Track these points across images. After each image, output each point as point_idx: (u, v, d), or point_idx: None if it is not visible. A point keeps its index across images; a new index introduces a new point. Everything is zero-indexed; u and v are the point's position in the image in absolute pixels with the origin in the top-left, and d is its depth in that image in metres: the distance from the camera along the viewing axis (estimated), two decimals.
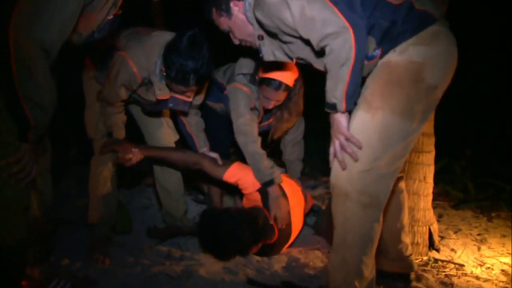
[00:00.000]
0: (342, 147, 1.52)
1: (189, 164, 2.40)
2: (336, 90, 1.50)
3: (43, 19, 1.37)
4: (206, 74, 2.07)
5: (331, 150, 1.57)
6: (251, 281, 1.98)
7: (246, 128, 2.36)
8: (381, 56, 1.53)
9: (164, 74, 2.08)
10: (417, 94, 1.50)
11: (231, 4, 1.73)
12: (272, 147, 2.88)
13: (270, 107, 2.44)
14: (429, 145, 2.36)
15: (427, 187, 2.38)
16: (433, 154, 2.39)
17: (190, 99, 2.26)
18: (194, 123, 2.50)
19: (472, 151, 4.47)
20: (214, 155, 2.44)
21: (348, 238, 1.57)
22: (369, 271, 1.62)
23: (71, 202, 2.96)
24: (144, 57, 2.10)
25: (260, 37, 1.71)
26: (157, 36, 2.16)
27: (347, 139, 1.51)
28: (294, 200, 2.38)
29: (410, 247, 1.97)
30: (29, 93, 1.39)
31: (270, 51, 1.75)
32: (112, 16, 1.66)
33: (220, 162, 2.41)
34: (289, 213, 2.31)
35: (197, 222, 2.40)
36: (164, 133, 2.51)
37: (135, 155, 2.26)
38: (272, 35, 1.68)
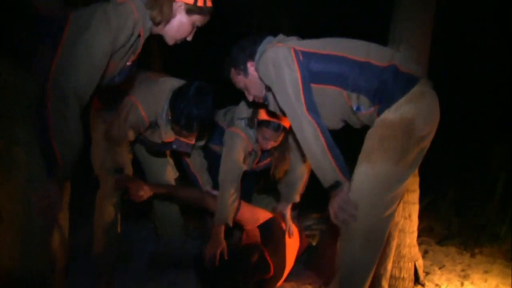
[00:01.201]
0: (342, 209, 1.71)
1: (194, 201, 2.54)
2: (329, 171, 1.74)
3: (78, 69, 1.56)
4: (209, 122, 2.27)
5: (332, 211, 1.76)
6: None
7: (232, 175, 2.50)
8: (378, 113, 1.74)
9: (170, 118, 2.24)
10: (409, 145, 1.70)
11: (248, 64, 1.95)
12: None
13: (269, 147, 2.57)
14: (414, 184, 2.52)
15: (412, 224, 2.52)
16: (417, 193, 2.55)
17: (193, 142, 2.41)
18: (197, 164, 2.67)
19: (455, 188, 4.64)
20: (217, 193, 2.57)
21: (354, 272, 1.74)
22: None
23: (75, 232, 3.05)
24: (153, 102, 2.25)
25: (267, 88, 1.91)
26: (165, 82, 2.32)
27: (347, 203, 1.70)
28: (290, 240, 2.52)
29: None
30: (60, 133, 1.55)
31: (273, 103, 1.94)
32: (130, 63, 1.82)
33: None
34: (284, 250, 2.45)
35: (195, 256, 2.51)
36: (166, 171, 2.67)
37: (146, 192, 2.40)
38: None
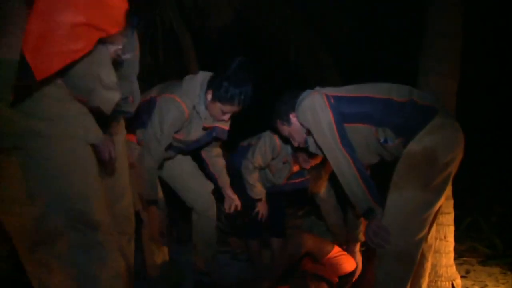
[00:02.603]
0: (375, 233, 1.91)
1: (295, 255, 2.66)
2: (362, 199, 1.95)
3: None
4: (250, 95, 2.37)
5: (367, 236, 1.97)
6: None
7: (249, 169, 2.96)
8: (404, 144, 1.95)
9: (210, 100, 2.38)
10: (433, 172, 1.89)
11: (291, 116, 2.25)
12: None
13: (308, 167, 2.89)
14: (448, 207, 2.64)
15: (448, 245, 2.63)
16: (452, 215, 2.66)
17: (228, 127, 2.59)
18: (216, 163, 2.87)
19: (501, 207, 4.63)
20: (234, 196, 2.83)
21: None
22: None
23: None
24: (188, 92, 2.40)
25: (307, 133, 2.17)
26: (193, 76, 2.50)
27: (380, 228, 1.90)
28: None
29: None
30: None
31: (313, 144, 2.19)
32: None
33: (238, 204, 2.82)
34: None
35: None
36: (204, 185, 2.81)
37: None
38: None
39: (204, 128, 2.54)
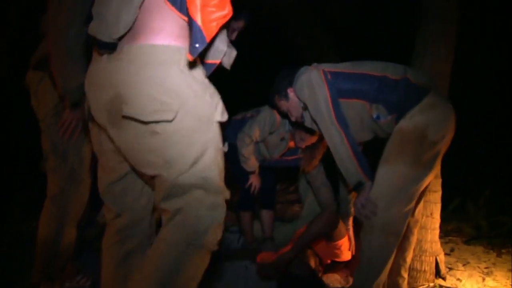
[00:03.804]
0: (363, 206, 2.00)
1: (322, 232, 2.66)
2: (353, 172, 2.03)
3: None
4: None
5: (356, 208, 2.06)
6: None
7: (245, 142, 3.07)
8: (396, 121, 2.02)
9: None
10: (423, 149, 1.97)
11: (288, 91, 2.31)
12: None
13: (303, 146, 2.98)
14: (436, 185, 2.73)
15: (434, 222, 2.73)
16: (439, 193, 2.75)
17: None
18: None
19: (489, 191, 4.74)
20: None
21: (372, 260, 2.00)
22: (382, 287, 2.06)
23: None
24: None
25: (304, 108, 2.23)
26: None
27: (368, 200, 1.99)
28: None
29: (406, 282, 2.32)
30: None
31: (308, 119, 2.27)
32: None
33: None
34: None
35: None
36: None
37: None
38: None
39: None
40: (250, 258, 2.84)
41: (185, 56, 1.26)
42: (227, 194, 1.37)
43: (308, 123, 2.31)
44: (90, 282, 2.28)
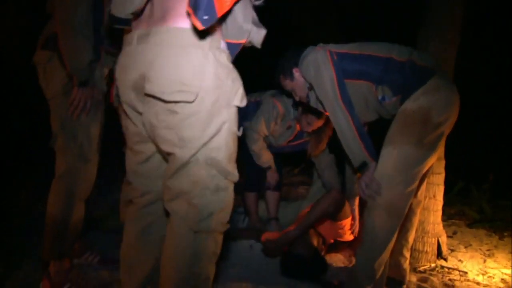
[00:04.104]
0: (367, 185, 2.03)
1: (328, 211, 2.67)
2: (358, 153, 2.06)
3: None
4: None
5: (360, 188, 2.08)
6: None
7: (253, 138, 3.10)
8: (401, 102, 2.04)
9: None
10: (426, 130, 1.98)
11: (294, 71, 2.31)
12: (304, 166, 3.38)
13: (310, 130, 2.99)
14: (439, 167, 2.75)
15: (437, 203, 2.76)
16: (443, 175, 2.78)
17: None
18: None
19: (493, 175, 4.76)
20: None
21: (375, 239, 2.03)
22: (384, 266, 2.09)
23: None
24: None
25: (309, 88, 2.24)
26: None
27: (372, 180, 2.01)
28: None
29: (408, 262, 2.35)
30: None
31: (314, 99, 2.28)
32: None
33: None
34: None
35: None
36: None
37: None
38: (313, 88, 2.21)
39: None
40: (255, 238, 2.91)
41: (211, 41, 1.31)
42: (235, 177, 1.41)
43: (313, 103, 2.33)
44: (98, 259, 2.34)
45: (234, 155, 1.43)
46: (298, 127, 3.14)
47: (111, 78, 1.94)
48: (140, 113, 1.42)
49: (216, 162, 1.36)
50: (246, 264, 2.55)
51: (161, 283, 1.42)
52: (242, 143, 3.16)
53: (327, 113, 2.17)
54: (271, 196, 3.27)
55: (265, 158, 3.18)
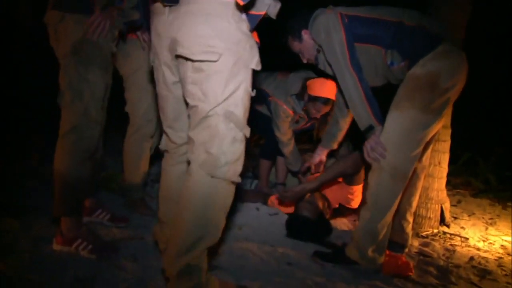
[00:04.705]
0: (373, 148, 2.06)
1: (347, 171, 2.71)
2: (364, 116, 2.08)
3: None
4: None
5: (365, 150, 2.10)
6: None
7: (281, 137, 3.21)
8: (409, 68, 2.04)
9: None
10: (433, 95, 1.99)
11: (302, 32, 2.28)
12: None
13: (318, 116, 3.06)
14: (445, 135, 2.77)
15: (441, 171, 2.79)
16: (448, 143, 2.80)
17: None
18: None
19: (502, 148, 4.77)
20: None
21: (378, 201, 2.07)
22: (387, 228, 2.13)
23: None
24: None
25: (318, 50, 2.24)
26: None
27: (377, 143, 2.04)
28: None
29: (411, 226, 2.36)
30: None
31: (322, 62, 2.28)
32: None
33: None
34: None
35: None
36: None
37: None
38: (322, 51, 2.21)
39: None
40: (262, 201, 2.98)
41: (233, 11, 1.50)
42: (247, 131, 1.59)
43: (321, 65, 2.33)
44: (109, 217, 2.41)
45: (247, 113, 1.60)
46: (306, 117, 3.20)
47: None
48: (173, 72, 1.64)
49: (233, 116, 1.54)
50: (252, 225, 2.61)
51: (175, 224, 1.60)
52: (261, 117, 3.23)
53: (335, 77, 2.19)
54: (281, 162, 3.34)
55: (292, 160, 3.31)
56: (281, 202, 2.75)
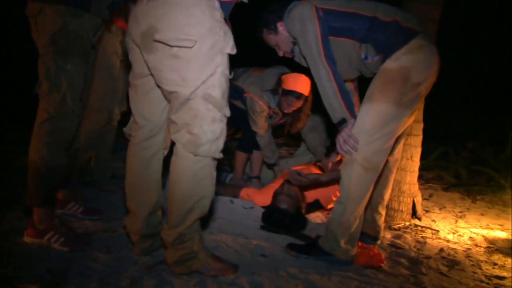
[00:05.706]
0: (345, 141, 2.08)
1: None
2: (338, 109, 2.11)
3: None
4: None
5: (338, 143, 2.13)
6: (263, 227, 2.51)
7: (258, 131, 3.26)
8: (382, 62, 2.07)
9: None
10: (405, 89, 2.02)
11: (278, 24, 2.28)
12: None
13: (290, 111, 3.11)
14: (417, 129, 2.83)
15: (413, 164, 2.85)
16: (420, 137, 2.86)
17: None
18: None
19: (473, 144, 4.89)
20: None
21: (351, 193, 2.10)
22: (359, 220, 2.16)
23: None
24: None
25: (294, 43, 2.26)
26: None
27: (350, 136, 2.07)
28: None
29: (383, 219, 2.41)
30: None
31: (298, 54, 2.29)
32: None
33: None
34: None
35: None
36: None
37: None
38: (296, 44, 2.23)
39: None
40: (237, 194, 2.99)
41: (207, 1, 1.63)
42: (227, 111, 1.73)
43: (297, 58, 2.34)
44: (82, 209, 2.39)
45: (226, 94, 1.74)
46: (279, 112, 3.23)
47: None
48: (144, 55, 1.73)
49: (212, 97, 1.67)
50: (226, 218, 2.63)
51: (169, 202, 1.77)
52: (237, 111, 3.22)
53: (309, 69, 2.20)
54: (257, 155, 3.36)
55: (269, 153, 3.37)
56: (290, 180, 2.67)
